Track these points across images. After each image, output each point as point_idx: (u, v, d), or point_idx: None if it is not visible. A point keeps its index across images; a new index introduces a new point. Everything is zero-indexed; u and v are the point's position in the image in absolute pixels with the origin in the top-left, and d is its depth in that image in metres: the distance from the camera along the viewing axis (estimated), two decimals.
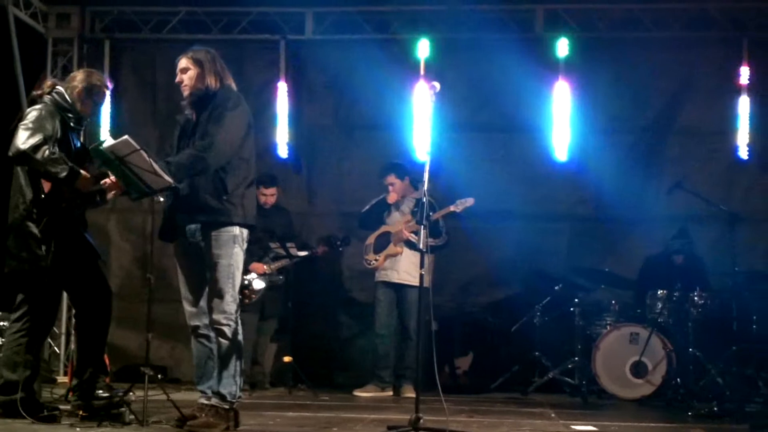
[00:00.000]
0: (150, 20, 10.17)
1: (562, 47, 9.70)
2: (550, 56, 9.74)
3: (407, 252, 8.55)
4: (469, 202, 8.19)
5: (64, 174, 5.68)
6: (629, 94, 9.85)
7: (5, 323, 6.34)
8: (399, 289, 8.63)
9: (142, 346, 9.61)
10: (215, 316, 5.50)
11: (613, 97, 9.81)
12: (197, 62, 5.69)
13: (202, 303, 5.60)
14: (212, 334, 5.58)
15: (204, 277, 5.58)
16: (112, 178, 5.97)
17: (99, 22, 10.31)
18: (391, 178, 8.77)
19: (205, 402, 5.54)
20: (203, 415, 5.47)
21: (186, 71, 5.70)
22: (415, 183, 8.79)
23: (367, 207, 8.88)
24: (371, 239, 8.81)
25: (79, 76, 6.12)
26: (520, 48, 9.60)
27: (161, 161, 5.44)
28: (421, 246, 5.79)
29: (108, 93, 6.25)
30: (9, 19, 9.27)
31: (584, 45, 9.77)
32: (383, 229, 8.78)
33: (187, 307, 5.63)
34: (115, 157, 5.39)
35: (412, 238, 8.48)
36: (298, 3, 9.96)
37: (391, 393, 8.55)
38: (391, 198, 8.77)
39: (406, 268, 8.55)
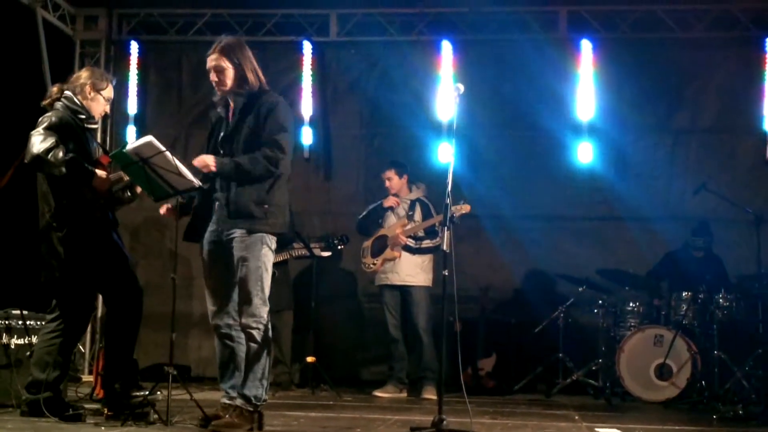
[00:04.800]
0: (176, 22, 10.27)
1: (585, 48, 9.69)
2: (573, 57, 9.73)
3: (406, 254, 8.58)
4: (465, 208, 7.87)
5: (80, 174, 5.75)
6: (652, 95, 9.82)
7: (40, 323, 6.37)
8: (402, 290, 8.63)
9: (165, 346, 9.82)
10: (244, 320, 5.45)
11: (636, 97, 9.78)
12: (234, 61, 5.56)
13: (225, 303, 5.58)
14: (235, 333, 5.56)
15: (227, 278, 5.56)
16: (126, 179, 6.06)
17: (126, 24, 10.42)
18: (390, 173, 8.76)
19: (228, 402, 5.53)
20: (227, 415, 5.47)
21: (222, 71, 5.56)
22: (410, 184, 8.81)
23: (364, 213, 8.88)
24: (368, 242, 8.79)
25: (83, 75, 6.18)
26: (544, 49, 9.62)
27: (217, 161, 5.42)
28: (444, 247, 5.77)
29: (112, 87, 6.26)
30: (37, 22, 9.38)
31: (607, 46, 9.77)
32: (380, 232, 8.75)
33: (210, 307, 5.61)
34: (138, 159, 5.40)
35: (411, 243, 8.52)
36: (323, 5, 10.01)
37: (407, 394, 8.58)
38: (389, 201, 8.75)
39: (407, 269, 8.56)
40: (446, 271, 5.69)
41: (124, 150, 5.43)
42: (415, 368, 8.67)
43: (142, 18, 10.33)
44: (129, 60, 10.26)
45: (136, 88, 10.28)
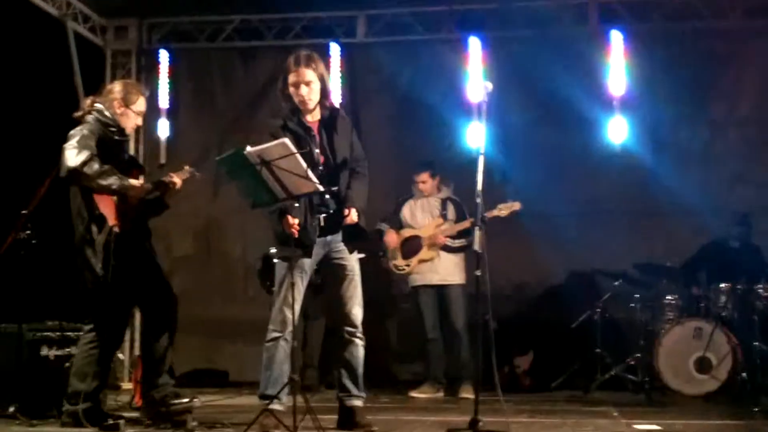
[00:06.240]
0: (205, 29, 10.34)
1: (616, 39, 9.61)
2: (604, 49, 9.66)
3: (444, 253, 8.54)
4: (516, 206, 7.98)
5: (116, 186, 5.80)
6: (687, 85, 9.68)
7: (78, 334, 6.45)
8: (440, 290, 8.59)
9: (204, 350, 9.91)
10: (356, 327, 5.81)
11: (670, 88, 9.66)
12: (321, 77, 5.69)
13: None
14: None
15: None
16: (176, 180, 6.10)
17: (156, 33, 10.51)
18: (425, 176, 8.72)
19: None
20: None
21: (309, 84, 5.66)
22: (440, 183, 8.78)
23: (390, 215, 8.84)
24: (396, 244, 8.71)
25: (116, 88, 6.21)
26: (575, 42, 9.57)
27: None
28: (476, 247, 5.76)
29: (145, 100, 6.28)
30: (68, 34, 9.48)
31: (640, 36, 9.68)
32: (411, 232, 8.69)
33: (289, 315, 5.61)
34: (260, 161, 5.30)
35: (450, 242, 8.49)
36: (350, 6, 10.02)
37: (443, 393, 8.57)
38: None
39: (446, 268, 8.53)
40: (478, 271, 5.68)
41: (244, 152, 5.32)
42: (452, 368, 8.65)
43: (172, 26, 10.40)
44: (159, 68, 10.33)
45: (168, 96, 10.34)
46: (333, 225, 5.73)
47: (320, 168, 5.65)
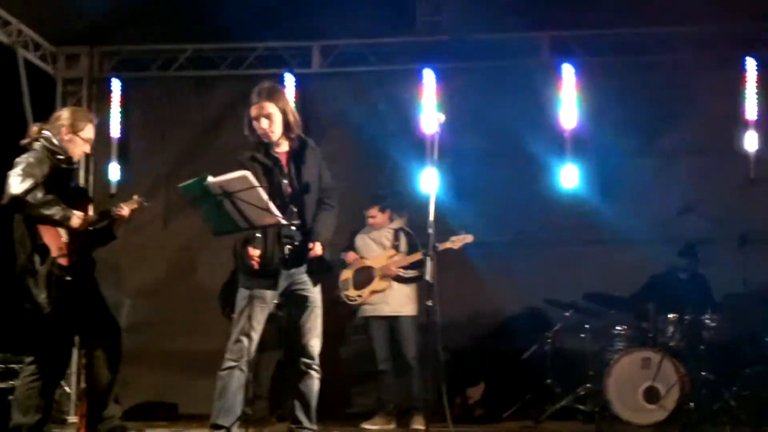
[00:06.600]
0: (158, 58, 10.26)
1: (568, 72, 9.71)
2: (556, 82, 9.76)
3: (396, 284, 8.56)
4: (468, 238, 8.01)
5: (58, 216, 5.75)
6: (637, 117, 9.79)
7: (20, 365, 6.36)
8: (392, 321, 8.57)
9: (154, 383, 9.81)
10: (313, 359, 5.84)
11: (621, 120, 9.76)
12: (280, 106, 5.71)
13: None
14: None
15: None
16: (124, 212, 6.06)
17: (107, 61, 10.41)
18: (374, 211, 8.75)
19: None
20: None
21: (270, 117, 5.68)
22: (393, 214, 8.80)
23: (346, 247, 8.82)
24: (348, 274, 8.70)
25: (63, 115, 6.18)
26: (527, 74, 9.65)
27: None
28: (428, 277, 5.79)
29: (93, 127, 6.24)
30: (19, 62, 9.41)
31: (591, 70, 9.77)
32: (363, 263, 8.69)
33: (246, 344, 5.63)
34: (221, 192, 5.33)
35: (402, 273, 8.50)
36: (305, 37, 10.02)
37: (395, 425, 8.54)
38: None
39: (397, 299, 8.51)
40: (430, 301, 5.71)
41: (205, 182, 5.35)
42: (404, 399, 8.62)
43: (124, 55, 10.33)
44: (111, 97, 10.25)
45: (119, 126, 10.27)
46: (298, 257, 5.74)
47: (287, 199, 5.67)
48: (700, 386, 8.15)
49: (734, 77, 9.56)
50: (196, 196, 5.45)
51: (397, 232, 8.75)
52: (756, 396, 7.98)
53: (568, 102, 9.72)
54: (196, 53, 10.18)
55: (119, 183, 10.15)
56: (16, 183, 5.73)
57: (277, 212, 5.41)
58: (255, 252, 5.55)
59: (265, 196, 5.35)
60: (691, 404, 8.08)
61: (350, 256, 8.76)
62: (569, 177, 9.65)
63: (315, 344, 5.83)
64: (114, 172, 10.14)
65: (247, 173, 5.35)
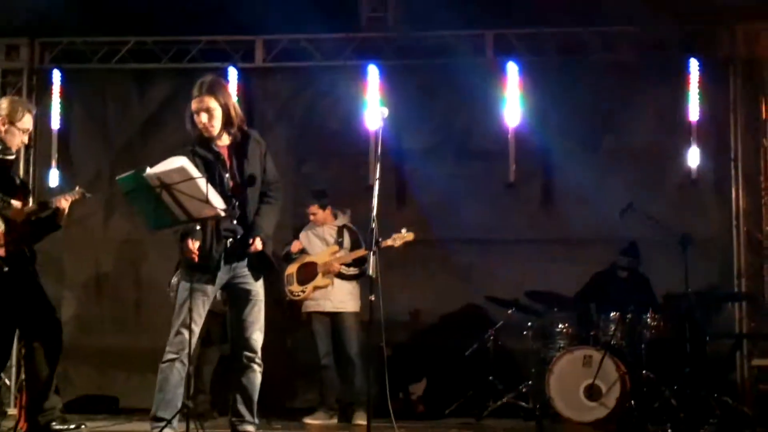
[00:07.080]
0: (99, 50, 10.11)
1: (512, 71, 9.74)
2: (500, 80, 9.77)
3: (338, 281, 8.53)
4: (409, 237, 7.99)
5: None
6: (580, 117, 9.84)
7: None
8: (334, 317, 8.58)
9: (95, 377, 9.69)
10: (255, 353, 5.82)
11: (565, 119, 9.81)
12: (221, 101, 5.66)
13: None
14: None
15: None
16: (63, 203, 5.96)
17: (48, 53, 10.24)
18: (314, 209, 8.74)
19: None
20: None
21: (210, 111, 5.63)
22: (335, 211, 8.79)
23: (282, 255, 8.72)
24: (292, 269, 8.69)
25: (1, 105, 6.09)
26: (471, 72, 9.65)
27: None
28: (370, 272, 5.77)
29: (32, 117, 6.15)
30: None
31: (534, 68, 9.80)
32: (306, 259, 8.67)
33: (187, 337, 5.60)
34: (160, 184, 5.26)
35: (344, 270, 8.49)
36: (248, 31, 9.94)
37: (337, 420, 8.55)
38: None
39: (339, 296, 8.53)
40: (372, 296, 5.69)
41: (143, 174, 5.27)
42: (346, 394, 8.61)
43: (65, 46, 10.16)
44: (52, 89, 10.08)
45: (60, 117, 10.11)
46: (239, 251, 5.70)
47: (229, 193, 5.63)
48: (641, 384, 8.21)
49: (677, 78, 9.66)
50: (134, 189, 5.39)
51: (341, 228, 8.73)
52: (695, 395, 8.05)
53: (512, 100, 9.74)
54: (138, 45, 10.05)
55: (60, 174, 9.98)
56: None
57: (217, 203, 5.35)
58: (194, 245, 5.49)
59: (204, 187, 5.29)
60: (632, 402, 8.15)
61: (296, 245, 8.72)
62: (513, 174, 9.66)
63: (257, 338, 5.80)
64: (54, 164, 9.97)
65: (185, 163, 5.30)
